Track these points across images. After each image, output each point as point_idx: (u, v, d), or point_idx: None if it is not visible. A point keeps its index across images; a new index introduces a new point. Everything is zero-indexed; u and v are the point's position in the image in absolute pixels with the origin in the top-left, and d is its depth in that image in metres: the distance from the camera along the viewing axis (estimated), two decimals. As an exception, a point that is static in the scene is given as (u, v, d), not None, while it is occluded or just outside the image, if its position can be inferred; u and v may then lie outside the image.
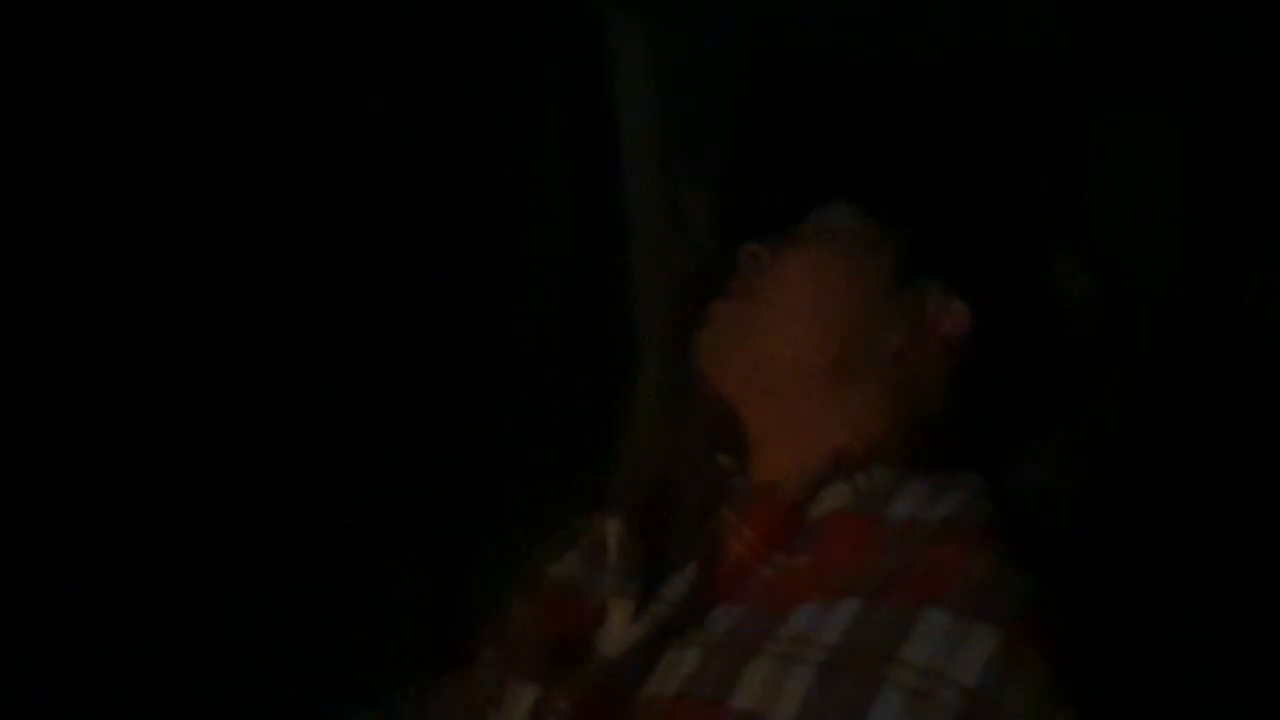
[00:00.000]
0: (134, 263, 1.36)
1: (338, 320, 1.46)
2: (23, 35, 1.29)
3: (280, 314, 1.43)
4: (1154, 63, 1.30)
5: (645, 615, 1.05)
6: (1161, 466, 1.20)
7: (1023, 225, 1.17)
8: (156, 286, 1.37)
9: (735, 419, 1.14)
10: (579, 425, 1.45)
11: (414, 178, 1.48)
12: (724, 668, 0.98)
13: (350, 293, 1.46)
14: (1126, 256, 1.24)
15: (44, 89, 1.31)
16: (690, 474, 1.18)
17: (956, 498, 1.03)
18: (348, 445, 1.45)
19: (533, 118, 1.54)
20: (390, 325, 1.48)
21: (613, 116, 1.53)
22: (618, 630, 1.06)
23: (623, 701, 1.00)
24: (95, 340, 1.35)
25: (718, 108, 1.49)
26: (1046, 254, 1.16)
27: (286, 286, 1.42)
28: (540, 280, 1.56)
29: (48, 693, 1.27)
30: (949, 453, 1.09)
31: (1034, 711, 0.92)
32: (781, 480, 1.08)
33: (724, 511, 1.08)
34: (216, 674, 1.34)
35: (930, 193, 1.15)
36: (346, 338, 1.46)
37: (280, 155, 1.41)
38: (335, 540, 1.41)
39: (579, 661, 1.05)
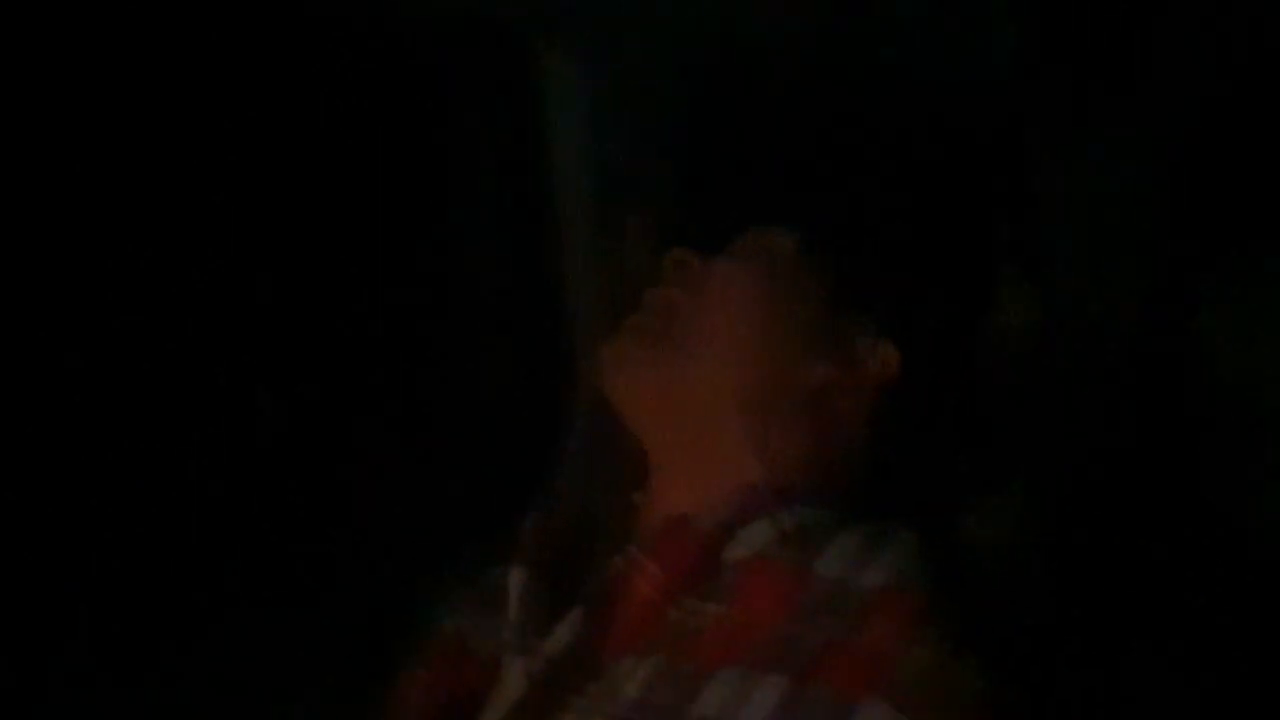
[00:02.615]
0: (85, 277, 1.32)
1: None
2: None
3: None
4: (1114, 85, 1.23)
5: (526, 670, 0.95)
6: (1119, 517, 1.12)
7: (967, 263, 1.09)
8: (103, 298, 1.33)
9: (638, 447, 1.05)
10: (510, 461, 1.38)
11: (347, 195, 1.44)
12: None
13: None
14: (1080, 281, 1.16)
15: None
16: (611, 519, 1.07)
17: (890, 561, 0.93)
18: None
19: (466, 137, 1.50)
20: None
21: (541, 143, 1.47)
22: (512, 692, 0.95)
23: None
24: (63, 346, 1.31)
25: (656, 132, 1.43)
26: (990, 284, 1.08)
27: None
28: (476, 301, 1.50)
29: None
30: (876, 500, 1.00)
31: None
32: (691, 515, 0.98)
33: (629, 548, 0.98)
34: None
35: (870, 225, 1.07)
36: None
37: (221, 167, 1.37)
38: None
39: None
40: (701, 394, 1.00)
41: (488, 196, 1.49)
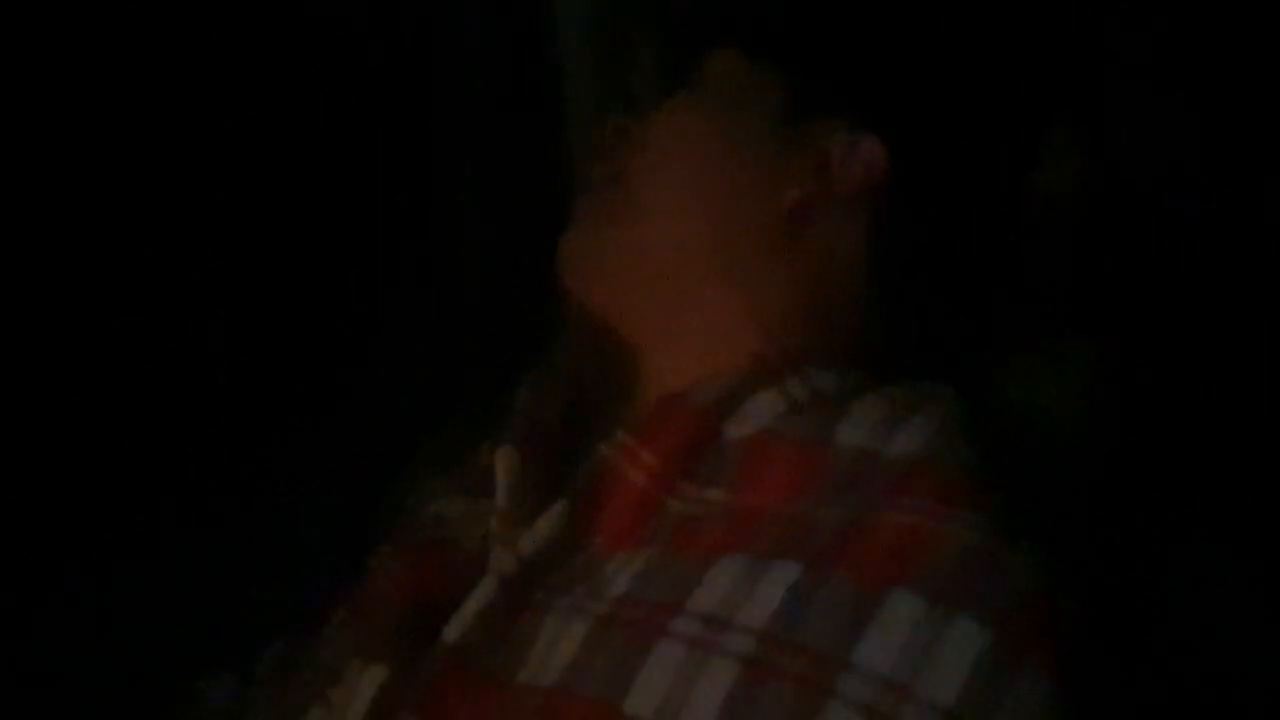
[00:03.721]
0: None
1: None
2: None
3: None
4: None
5: (497, 569, 0.83)
6: (1184, 387, 0.97)
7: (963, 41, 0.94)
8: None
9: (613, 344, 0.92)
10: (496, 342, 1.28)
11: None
12: (616, 655, 0.75)
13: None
14: (1143, 131, 1.02)
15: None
16: (604, 402, 0.95)
17: (924, 425, 0.81)
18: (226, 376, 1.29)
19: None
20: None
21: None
22: (484, 593, 0.83)
23: (485, 687, 0.78)
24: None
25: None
26: (1032, 120, 0.94)
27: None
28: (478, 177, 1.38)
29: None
30: (896, 356, 0.87)
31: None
32: (686, 390, 0.85)
33: (618, 432, 0.86)
34: (71, 634, 1.18)
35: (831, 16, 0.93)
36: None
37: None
38: (194, 489, 1.24)
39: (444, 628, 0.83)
40: (664, 252, 0.88)
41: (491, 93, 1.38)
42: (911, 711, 0.69)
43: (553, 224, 0.95)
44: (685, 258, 0.87)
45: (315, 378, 1.29)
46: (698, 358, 0.86)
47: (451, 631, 0.81)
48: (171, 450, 1.24)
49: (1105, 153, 0.99)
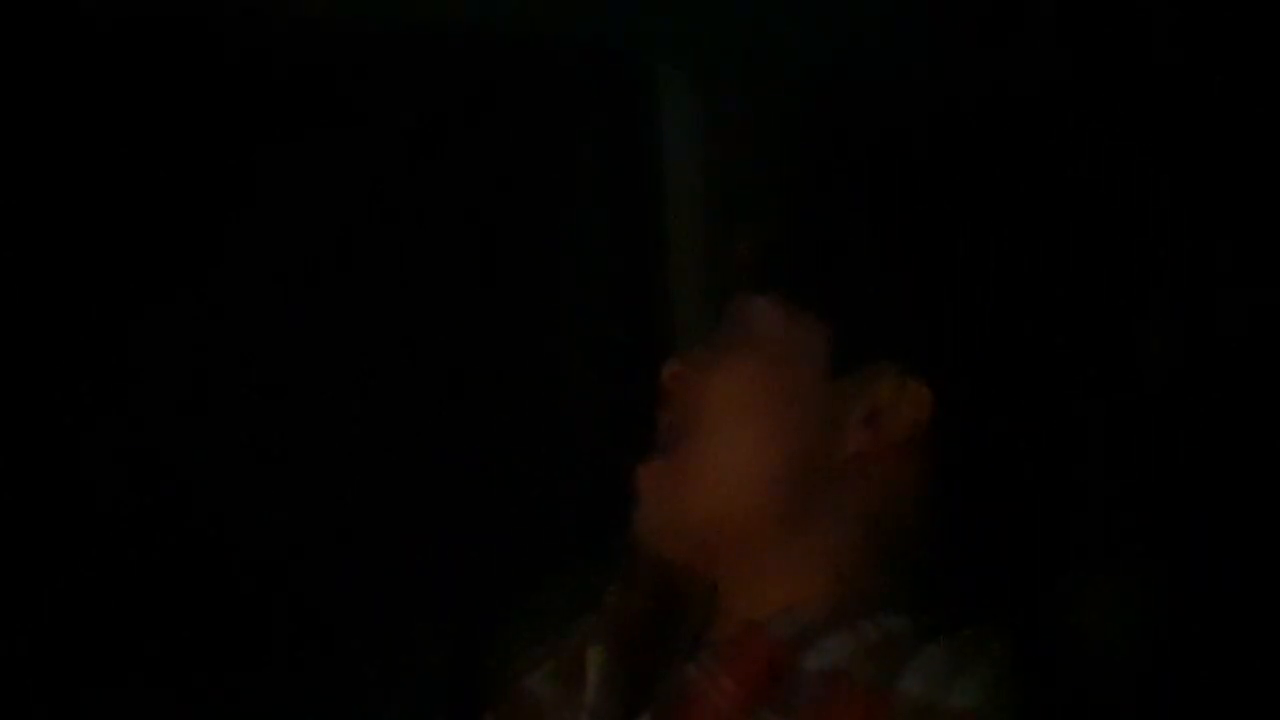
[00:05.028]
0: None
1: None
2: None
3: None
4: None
5: None
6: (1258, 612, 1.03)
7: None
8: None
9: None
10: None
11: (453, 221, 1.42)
12: None
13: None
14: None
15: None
16: (687, 604, 1.02)
17: (978, 679, 0.87)
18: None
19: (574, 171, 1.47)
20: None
21: (656, 168, 1.43)
22: None
23: None
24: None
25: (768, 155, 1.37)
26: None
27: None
28: (580, 316, 1.49)
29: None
30: (958, 589, 0.92)
31: None
32: (765, 620, 0.93)
33: (702, 655, 0.94)
34: None
35: (865, 254, 0.96)
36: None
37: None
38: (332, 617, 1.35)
39: None
40: (736, 520, 0.94)
41: (600, 220, 1.47)
42: None
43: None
44: (756, 518, 0.93)
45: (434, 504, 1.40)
46: (770, 589, 0.93)
47: None
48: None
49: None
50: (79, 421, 1.32)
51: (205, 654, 1.32)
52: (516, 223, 1.45)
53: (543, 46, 1.41)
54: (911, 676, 0.88)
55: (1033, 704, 0.87)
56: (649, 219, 1.44)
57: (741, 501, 0.94)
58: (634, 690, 0.96)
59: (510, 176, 1.44)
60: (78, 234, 1.32)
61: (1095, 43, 1.24)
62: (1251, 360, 1.13)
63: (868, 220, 0.98)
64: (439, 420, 1.42)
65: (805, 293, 0.95)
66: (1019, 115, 1.09)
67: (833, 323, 0.94)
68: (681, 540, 0.96)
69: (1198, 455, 1.10)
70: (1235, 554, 1.09)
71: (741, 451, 0.94)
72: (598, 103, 1.45)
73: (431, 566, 1.38)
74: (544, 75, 1.43)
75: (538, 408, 1.44)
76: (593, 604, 1.04)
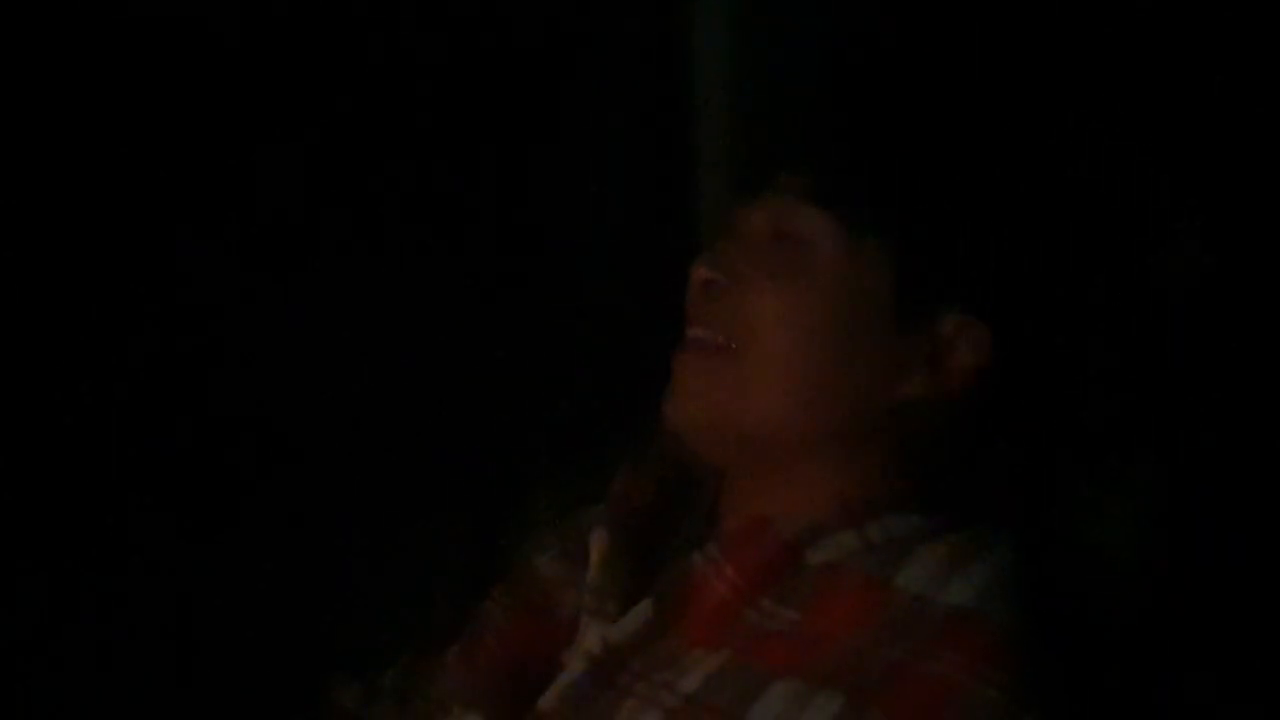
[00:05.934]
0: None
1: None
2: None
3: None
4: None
5: (587, 652, 0.94)
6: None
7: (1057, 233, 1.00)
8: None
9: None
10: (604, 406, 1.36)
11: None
12: None
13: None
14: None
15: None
16: (696, 493, 1.04)
17: (977, 577, 0.88)
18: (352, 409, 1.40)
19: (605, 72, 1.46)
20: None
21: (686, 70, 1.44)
22: (575, 666, 0.96)
23: None
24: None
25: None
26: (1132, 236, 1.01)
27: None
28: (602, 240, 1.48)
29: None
30: (970, 493, 0.94)
31: None
32: (773, 516, 0.94)
33: (708, 546, 0.95)
34: (213, 643, 1.31)
35: (934, 191, 0.96)
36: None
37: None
38: (335, 512, 1.36)
39: (537, 683, 0.96)
40: (768, 427, 0.94)
41: (631, 121, 1.46)
42: None
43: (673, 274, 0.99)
44: (803, 436, 0.93)
45: (455, 402, 1.40)
46: (786, 491, 0.95)
47: (545, 701, 0.94)
48: (325, 466, 1.36)
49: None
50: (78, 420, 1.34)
51: (229, 539, 1.35)
52: (546, 123, 1.45)
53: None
54: (909, 572, 0.89)
55: (1029, 605, 0.88)
56: (678, 120, 1.44)
57: (795, 417, 0.93)
58: (636, 574, 0.98)
59: (540, 78, 1.44)
60: (77, 226, 1.33)
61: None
62: (1260, 278, 1.13)
63: (933, 155, 0.98)
64: (464, 313, 1.43)
65: (870, 220, 0.94)
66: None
67: (897, 258, 0.93)
68: (717, 436, 0.95)
69: (1206, 369, 1.11)
70: (1239, 471, 1.09)
71: (807, 372, 0.93)
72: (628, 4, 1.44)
73: (454, 458, 1.39)
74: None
75: (562, 301, 1.45)
76: (603, 493, 1.06)
